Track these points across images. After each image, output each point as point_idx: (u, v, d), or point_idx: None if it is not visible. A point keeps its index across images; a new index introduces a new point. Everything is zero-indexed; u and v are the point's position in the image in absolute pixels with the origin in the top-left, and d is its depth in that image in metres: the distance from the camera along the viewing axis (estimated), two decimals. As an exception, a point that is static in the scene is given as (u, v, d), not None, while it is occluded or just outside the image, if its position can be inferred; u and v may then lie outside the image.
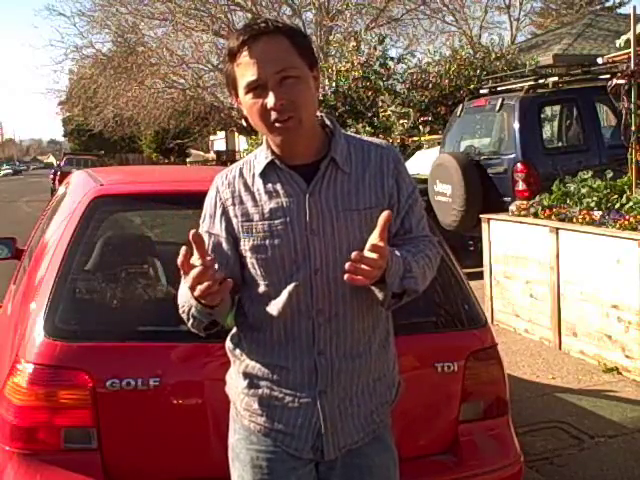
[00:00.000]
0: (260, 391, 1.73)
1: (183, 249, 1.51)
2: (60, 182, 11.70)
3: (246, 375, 1.75)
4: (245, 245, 1.70)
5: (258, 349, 1.73)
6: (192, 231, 1.53)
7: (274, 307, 1.69)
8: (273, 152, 1.70)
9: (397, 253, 1.62)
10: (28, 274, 2.82)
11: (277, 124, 1.62)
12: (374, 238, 1.55)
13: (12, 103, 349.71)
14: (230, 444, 1.81)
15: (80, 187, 2.97)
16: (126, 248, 2.87)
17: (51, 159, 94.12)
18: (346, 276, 1.53)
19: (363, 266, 1.52)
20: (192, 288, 1.53)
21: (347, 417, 1.73)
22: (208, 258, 1.53)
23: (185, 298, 1.63)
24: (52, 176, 25.09)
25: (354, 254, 1.52)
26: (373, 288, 1.62)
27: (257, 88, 1.61)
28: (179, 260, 1.51)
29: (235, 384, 1.79)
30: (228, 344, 1.82)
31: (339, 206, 1.68)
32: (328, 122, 1.75)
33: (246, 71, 1.62)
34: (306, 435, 1.71)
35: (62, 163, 27.06)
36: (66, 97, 31.42)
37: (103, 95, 23.99)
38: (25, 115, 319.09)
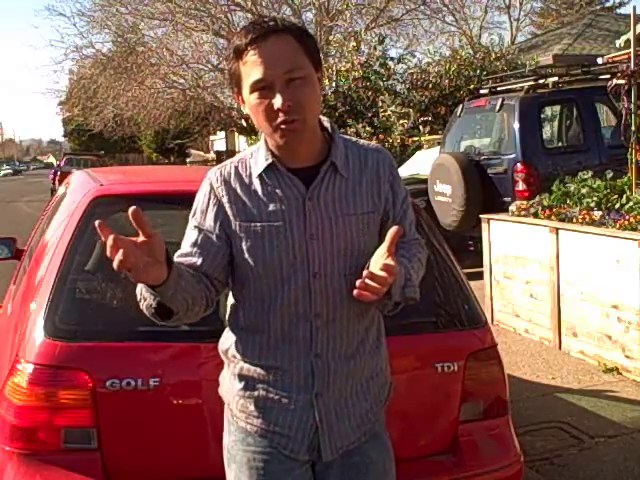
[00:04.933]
0: (256, 393, 1.72)
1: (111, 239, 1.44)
2: (60, 182, 11.69)
3: (241, 377, 1.74)
4: (242, 245, 1.68)
5: (254, 351, 1.72)
6: (133, 207, 1.49)
7: (272, 309, 1.69)
8: (273, 154, 1.68)
9: (399, 264, 1.62)
10: (28, 274, 2.82)
11: (283, 125, 1.60)
12: (383, 255, 1.54)
13: (12, 103, 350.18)
14: (225, 446, 1.81)
15: (80, 187, 2.96)
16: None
17: (51, 159, 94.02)
18: (355, 292, 1.53)
19: (373, 284, 1.51)
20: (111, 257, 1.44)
21: (343, 418, 1.73)
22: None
23: None
24: (52, 176, 25.07)
25: (365, 272, 1.52)
26: None
27: (263, 88, 1.59)
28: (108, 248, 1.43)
29: (230, 386, 1.78)
30: (221, 346, 1.81)
31: (337, 211, 1.69)
32: (327, 125, 1.75)
33: (253, 70, 1.59)
34: (302, 437, 1.71)
35: (62, 163, 27.05)
36: (66, 97, 31.45)
37: (103, 95, 24.00)
38: (25, 115, 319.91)
